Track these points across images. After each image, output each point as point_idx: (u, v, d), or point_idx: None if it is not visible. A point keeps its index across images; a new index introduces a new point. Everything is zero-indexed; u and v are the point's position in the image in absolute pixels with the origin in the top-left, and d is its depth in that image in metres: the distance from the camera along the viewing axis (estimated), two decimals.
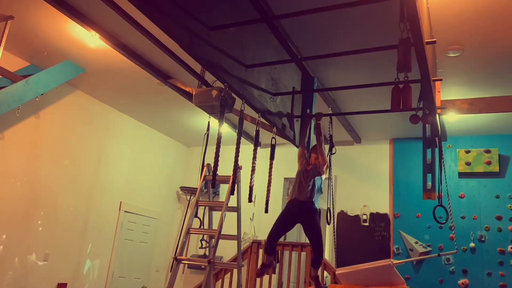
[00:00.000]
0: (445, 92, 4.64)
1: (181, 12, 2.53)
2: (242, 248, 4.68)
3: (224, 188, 6.90)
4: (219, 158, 3.11)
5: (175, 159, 7.48)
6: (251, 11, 3.19)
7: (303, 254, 5.04)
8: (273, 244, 3.72)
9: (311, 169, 3.70)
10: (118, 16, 3.36)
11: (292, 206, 3.66)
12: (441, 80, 3.79)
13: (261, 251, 5.22)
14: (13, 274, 4.81)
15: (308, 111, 4.34)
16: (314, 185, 3.63)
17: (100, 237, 5.94)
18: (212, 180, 3.17)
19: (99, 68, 4.94)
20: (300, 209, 3.60)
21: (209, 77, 4.12)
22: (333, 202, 4.28)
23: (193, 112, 5.82)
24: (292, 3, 3.17)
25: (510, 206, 5.50)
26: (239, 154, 3.33)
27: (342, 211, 6.29)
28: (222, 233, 3.98)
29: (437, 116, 3.90)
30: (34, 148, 5.09)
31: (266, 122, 3.90)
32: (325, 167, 3.75)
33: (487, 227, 5.53)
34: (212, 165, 3.14)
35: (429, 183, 4.00)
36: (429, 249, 5.71)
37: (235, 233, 4.17)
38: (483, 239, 5.50)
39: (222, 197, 6.96)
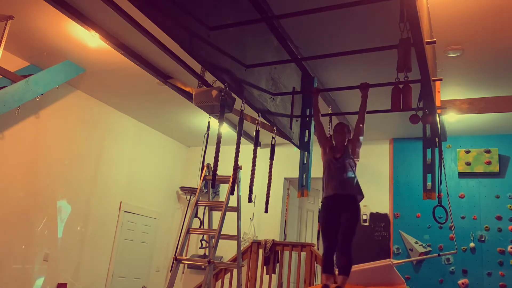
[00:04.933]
0: (445, 92, 4.64)
1: (181, 12, 2.53)
2: (242, 248, 4.68)
3: (224, 188, 6.90)
4: (219, 158, 3.11)
5: (175, 159, 7.48)
6: (251, 11, 3.19)
7: (303, 254, 5.04)
8: (330, 261, 3.17)
9: (341, 156, 3.28)
10: (118, 16, 3.36)
11: (331, 202, 3.24)
12: (441, 80, 3.80)
13: (261, 251, 5.23)
14: (13, 274, 4.80)
15: (308, 111, 4.34)
16: (351, 174, 3.21)
17: (100, 237, 5.94)
18: (212, 180, 3.17)
19: (99, 68, 4.94)
20: (339, 202, 3.19)
21: (209, 77, 4.12)
22: None
23: (193, 112, 5.82)
24: (292, 3, 3.17)
25: (510, 206, 5.50)
26: (239, 154, 3.33)
27: None
28: (222, 233, 3.98)
29: (437, 116, 3.89)
30: (34, 148, 5.09)
31: (266, 122, 3.91)
32: (359, 148, 3.30)
33: (487, 227, 5.53)
34: (212, 165, 3.15)
35: (429, 183, 3.99)
36: (429, 249, 5.71)
37: (235, 233, 4.17)
38: (483, 239, 5.50)
39: (222, 197, 6.96)
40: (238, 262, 4.21)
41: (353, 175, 3.25)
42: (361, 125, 3.31)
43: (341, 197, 3.23)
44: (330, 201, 3.28)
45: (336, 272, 3.14)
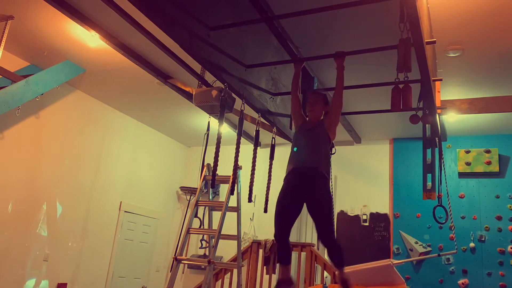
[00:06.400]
0: (445, 92, 4.64)
1: (181, 12, 2.53)
2: (242, 248, 4.67)
3: (224, 188, 6.90)
4: (219, 158, 3.11)
5: (175, 159, 7.48)
6: (251, 11, 3.19)
7: (303, 254, 5.04)
8: (285, 245, 2.83)
9: (314, 127, 2.89)
10: (118, 16, 3.36)
11: (293, 178, 2.77)
12: (441, 80, 3.80)
13: (261, 251, 5.22)
14: (13, 274, 4.80)
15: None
16: (321, 149, 2.79)
17: (100, 237, 5.94)
18: (212, 180, 3.17)
19: (99, 68, 4.94)
20: (304, 179, 2.71)
21: (209, 77, 4.12)
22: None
23: (193, 112, 5.82)
24: (292, 3, 3.17)
25: (510, 206, 5.50)
26: (239, 154, 3.33)
27: (342, 211, 6.29)
28: (222, 233, 3.97)
29: (437, 116, 3.90)
30: (34, 148, 5.08)
31: (266, 122, 3.90)
32: (336, 124, 2.90)
33: (487, 227, 5.53)
34: (212, 165, 3.15)
35: (429, 183, 4.00)
36: (429, 249, 5.71)
37: (235, 233, 4.16)
38: (483, 239, 5.50)
39: (222, 197, 6.96)
40: (238, 262, 4.21)
41: (324, 151, 2.80)
42: (339, 98, 2.95)
43: (306, 172, 2.74)
44: (292, 176, 2.78)
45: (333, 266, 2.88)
